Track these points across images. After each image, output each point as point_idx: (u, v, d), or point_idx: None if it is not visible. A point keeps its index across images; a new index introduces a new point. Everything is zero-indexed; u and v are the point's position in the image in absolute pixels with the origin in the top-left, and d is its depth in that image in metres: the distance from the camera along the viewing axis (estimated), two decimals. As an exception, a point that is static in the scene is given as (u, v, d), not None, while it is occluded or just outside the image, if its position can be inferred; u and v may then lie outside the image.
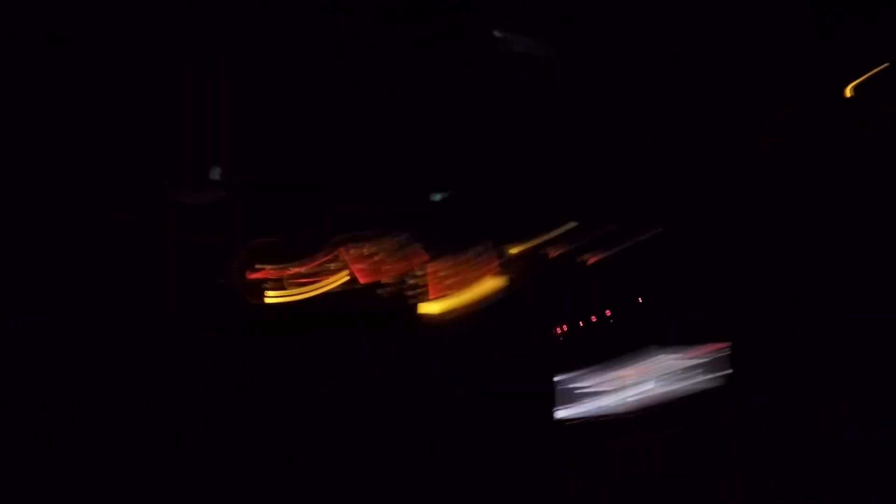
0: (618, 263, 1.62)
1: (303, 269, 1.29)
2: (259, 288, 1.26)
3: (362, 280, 1.35)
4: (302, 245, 1.32)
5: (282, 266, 1.29)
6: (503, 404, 1.35)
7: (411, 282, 1.41)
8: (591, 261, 1.63)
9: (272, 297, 1.25)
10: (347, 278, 1.35)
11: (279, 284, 1.27)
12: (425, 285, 1.42)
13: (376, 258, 1.39)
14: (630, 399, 1.49)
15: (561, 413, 1.38)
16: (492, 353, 1.41)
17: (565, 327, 1.48)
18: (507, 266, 1.53)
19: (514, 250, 1.52)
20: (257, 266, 1.26)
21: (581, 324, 1.49)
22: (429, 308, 1.35)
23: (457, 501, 1.29)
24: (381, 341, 1.32)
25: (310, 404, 1.25)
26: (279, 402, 1.25)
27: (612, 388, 1.46)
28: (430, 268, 1.43)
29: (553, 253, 1.58)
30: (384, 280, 1.39)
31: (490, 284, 1.46)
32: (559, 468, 1.36)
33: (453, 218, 1.69)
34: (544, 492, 1.35)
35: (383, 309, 1.37)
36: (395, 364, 1.29)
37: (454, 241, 1.49)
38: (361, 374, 1.27)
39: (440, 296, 1.43)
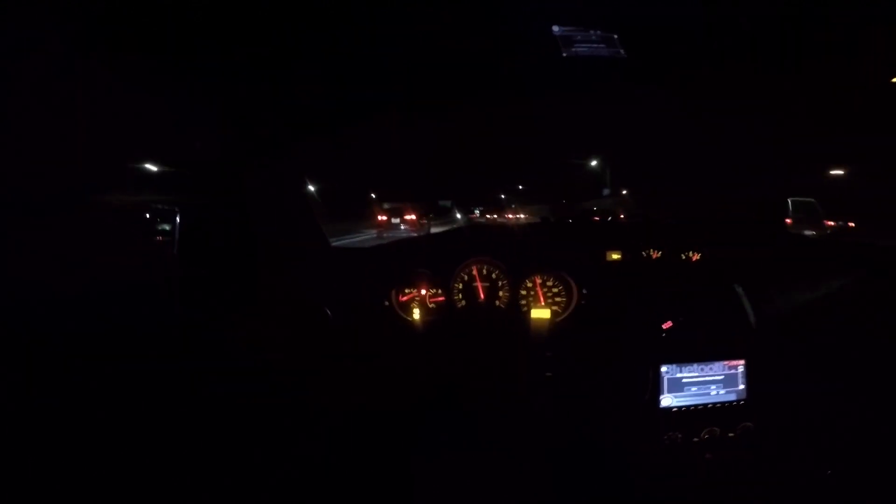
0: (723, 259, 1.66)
1: (439, 291, 1.68)
2: (408, 307, 1.66)
3: (482, 295, 1.68)
4: (439, 272, 1.68)
5: (424, 289, 1.68)
6: (610, 393, 1.54)
7: (522, 292, 1.68)
8: (695, 258, 1.69)
9: (418, 314, 1.63)
10: (472, 294, 1.69)
11: (422, 304, 1.66)
12: (536, 294, 1.69)
13: (493, 275, 1.70)
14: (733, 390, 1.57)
15: (666, 401, 1.54)
16: (600, 347, 1.60)
17: (670, 323, 1.60)
18: (609, 271, 1.70)
19: (615, 256, 1.68)
20: (406, 290, 1.68)
21: (683, 319, 1.60)
22: (540, 314, 1.60)
23: (558, 479, 1.46)
24: (500, 343, 1.57)
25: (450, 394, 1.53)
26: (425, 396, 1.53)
27: (718, 379, 1.56)
28: (539, 279, 1.69)
29: (654, 255, 1.69)
30: (501, 294, 1.68)
31: (593, 289, 1.66)
32: (657, 451, 1.52)
33: (558, 232, 1.90)
34: (638, 472, 1.50)
35: (502, 316, 1.67)
36: (511, 360, 1.53)
37: (558, 252, 1.71)
38: (484, 371, 1.53)
39: (549, 302, 1.68)
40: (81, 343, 1.18)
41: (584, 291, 1.64)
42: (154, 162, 1.66)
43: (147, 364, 1.26)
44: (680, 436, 1.51)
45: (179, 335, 1.38)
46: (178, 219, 1.53)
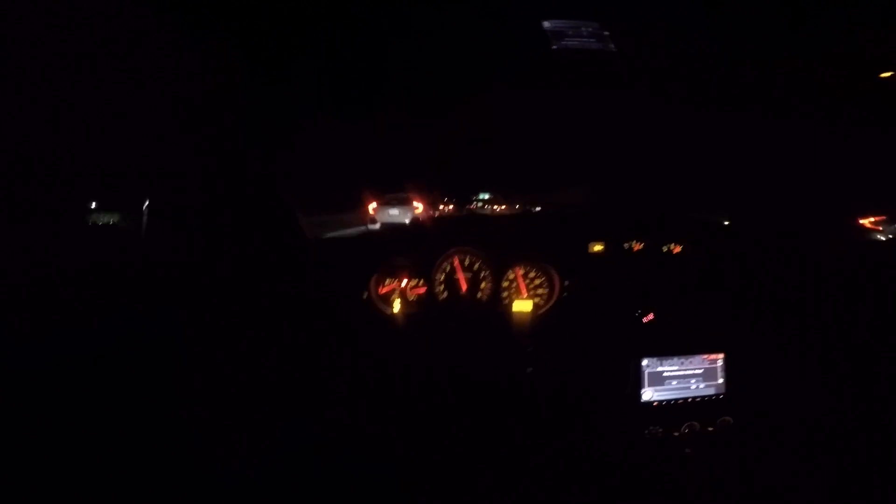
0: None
1: (420, 282, 1.63)
2: (388, 300, 1.61)
3: (465, 287, 1.65)
4: (420, 262, 1.63)
5: (405, 280, 1.63)
6: (591, 386, 1.53)
7: (504, 284, 1.66)
8: (676, 251, 1.70)
9: (397, 306, 1.58)
10: (453, 285, 1.66)
11: (403, 296, 1.61)
12: (517, 286, 1.66)
13: (476, 266, 1.67)
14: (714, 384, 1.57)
15: (646, 395, 1.53)
16: (581, 340, 1.58)
17: (652, 315, 1.59)
18: (591, 262, 1.69)
19: (597, 247, 1.67)
20: (386, 281, 1.63)
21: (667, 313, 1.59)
22: (521, 306, 1.58)
23: (539, 473, 1.45)
24: (482, 334, 1.54)
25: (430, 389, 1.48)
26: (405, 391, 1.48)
27: (698, 372, 1.56)
28: (521, 269, 1.67)
29: (636, 247, 1.68)
30: (483, 285, 1.65)
31: (576, 281, 1.64)
32: (636, 446, 1.51)
33: (541, 223, 1.89)
34: (619, 467, 1.49)
35: (482, 308, 1.64)
36: (493, 354, 1.50)
37: (542, 243, 1.69)
38: (467, 362, 1.50)
39: (531, 294, 1.66)
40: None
41: (567, 283, 1.62)
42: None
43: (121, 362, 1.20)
44: (661, 430, 1.50)
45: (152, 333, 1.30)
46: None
